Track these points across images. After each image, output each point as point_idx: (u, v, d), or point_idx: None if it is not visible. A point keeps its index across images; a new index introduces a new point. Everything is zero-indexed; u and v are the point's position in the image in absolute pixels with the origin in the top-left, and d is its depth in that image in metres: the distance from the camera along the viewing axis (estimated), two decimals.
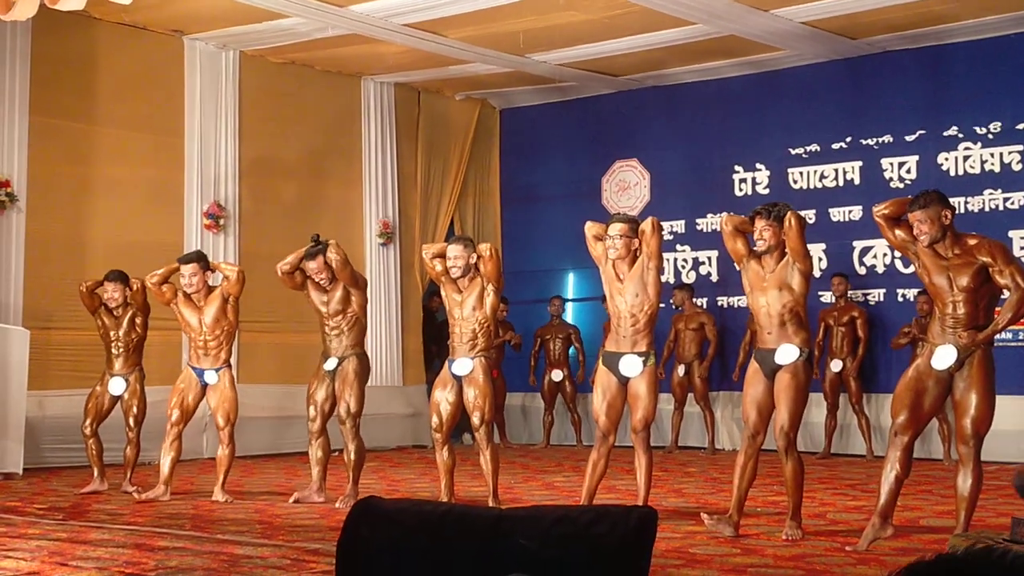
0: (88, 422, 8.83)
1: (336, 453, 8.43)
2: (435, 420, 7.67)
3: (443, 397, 7.64)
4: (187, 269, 8.41)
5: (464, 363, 7.60)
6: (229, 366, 8.52)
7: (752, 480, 6.51)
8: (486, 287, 7.57)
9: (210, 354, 8.44)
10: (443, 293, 7.85)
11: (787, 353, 6.40)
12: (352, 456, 8.15)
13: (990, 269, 5.78)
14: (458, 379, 7.63)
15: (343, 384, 8.19)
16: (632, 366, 6.87)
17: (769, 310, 6.45)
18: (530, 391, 13.76)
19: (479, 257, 7.58)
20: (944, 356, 5.87)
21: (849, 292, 11.77)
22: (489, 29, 11.47)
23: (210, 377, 8.42)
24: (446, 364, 7.77)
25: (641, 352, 6.88)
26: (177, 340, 10.64)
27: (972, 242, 5.90)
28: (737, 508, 6.45)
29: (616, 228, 6.91)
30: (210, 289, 8.53)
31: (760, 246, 6.48)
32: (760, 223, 6.45)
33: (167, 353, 10.69)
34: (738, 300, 12.59)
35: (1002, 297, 5.91)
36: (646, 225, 6.91)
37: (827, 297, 11.95)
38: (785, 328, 6.42)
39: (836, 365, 11.55)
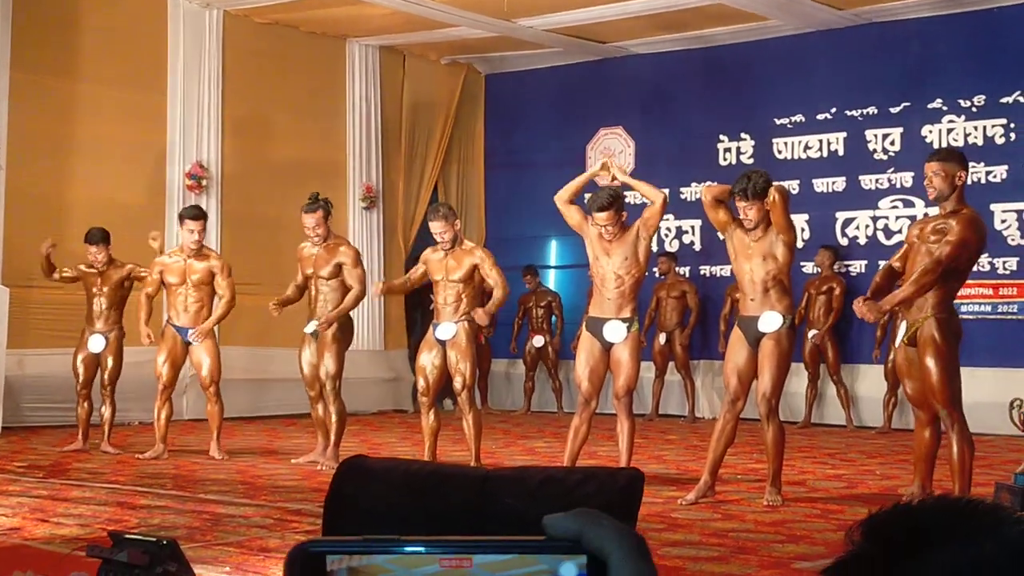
0: (81, 385, 8.84)
1: None
2: (421, 383, 7.70)
3: (428, 361, 7.65)
4: (195, 225, 8.42)
5: (448, 327, 7.60)
6: None
7: (728, 444, 6.54)
8: (481, 266, 7.58)
9: (190, 310, 8.47)
10: (425, 258, 7.83)
11: (771, 321, 6.42)
12: (333, 418, 8.16)
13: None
14: (442, 343, 7.63)
15: (322, 346, 8.18)
16: (616, 332, 6.88)
17: (753, 276, 6.47)
18: (514, 358, 13.77)
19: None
20: (901, 331, 6.01)
21: (835, 264, 11.74)
22: None
23: (193, 336, 8.44)
24: (431, 328, 7.77)
25: (625, 318, 6.89)
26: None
27: (961, 211, 5.94)
28: (711, 470, 6.50)
29: (603, 217, 6.73)
30: (204, 253, 8.52)
31: (747, 224, 6.45)
32: (742, 203, 6.39)
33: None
34: (720, 269, 12.62)
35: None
36: (657, 200, 6.86)
37: (809, 268, 11.97)
38: (768, 295, 6.44)
39: (813, 334, 11.57)
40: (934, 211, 6.06)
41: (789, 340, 6.49)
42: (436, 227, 7.58)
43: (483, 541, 0.79)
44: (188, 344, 8.49)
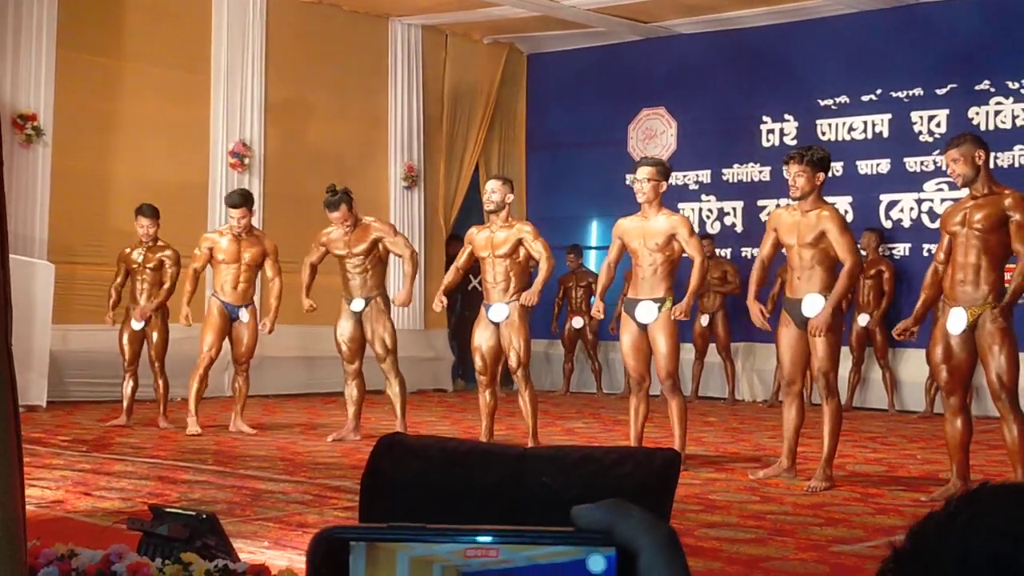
0: (128, 362, 8.97)
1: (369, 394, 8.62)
2: (478, 363, 7.71)
3: (483, 340, 7.66)
4: (236, 212, 8.50)
5: (500, 309, 7.60)
6: (254, 303, 8.71)
7: (799, 425, 6.54)
8: (524, 239, 7.56)
9: (239, 289, 8.56)
10: (470, 238, 7.84)
11: (814, 304, 6.34)
12: (397, 391, 8.22)
13: (1010, 221, 5.70)
14: (496, 323, 7.65)
15: (374, 323, 8.23)
16: (647, 312, 6.86)
17: (800, 252, 6.39)
18: (553, 338, 13.76)
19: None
20: (956, 320, 5.83)
21: (880, 247, 11.63)
22: None
23: (243, 314, 8.55)
24: (482, 308, 7.78)
25: (657, 298, 6.86)
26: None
27: (1004, 191, 5.84)
28: (788, 454, 6.54)
29: (644, 171, 6.82)
30: (255, 235, 8.61)
31: (793, 192, 6.37)
32: (795, 168, 6.31)
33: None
34: None
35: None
36: (689, 234, 6.84)
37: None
38: (814, 273, 6.36)
39: (863, 319, 11.47)
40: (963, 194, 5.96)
41: (836, 319, 6.40)
42: (489, 185, 7.69)
43: (510, 531, 0.79)
44: (233, 320, 8.60)
